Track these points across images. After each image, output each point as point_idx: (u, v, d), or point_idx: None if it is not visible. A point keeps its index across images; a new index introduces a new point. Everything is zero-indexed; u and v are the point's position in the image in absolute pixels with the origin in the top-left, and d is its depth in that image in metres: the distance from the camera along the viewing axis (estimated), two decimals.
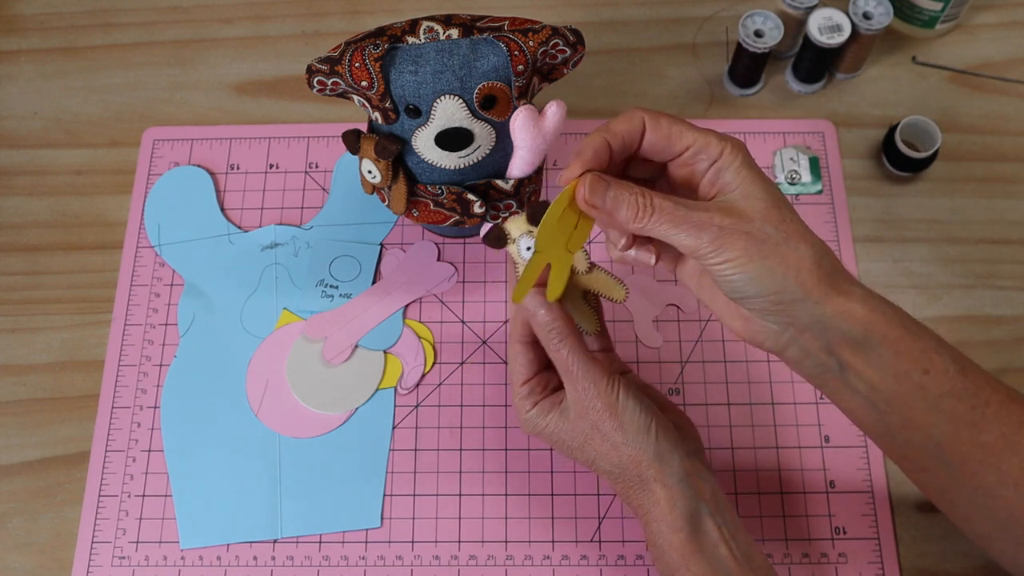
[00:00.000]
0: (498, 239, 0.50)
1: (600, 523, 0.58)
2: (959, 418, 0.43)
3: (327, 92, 0.53)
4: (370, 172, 0.55)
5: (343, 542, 0.58)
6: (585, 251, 0.48)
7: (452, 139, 0.52)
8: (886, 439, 0.46)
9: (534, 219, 0.47)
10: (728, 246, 0.41)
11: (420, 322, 0.63)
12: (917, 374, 0.43)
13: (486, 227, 0.60)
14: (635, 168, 0.48)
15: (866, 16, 0.66)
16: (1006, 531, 0.45)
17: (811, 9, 0.66)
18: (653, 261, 0.48)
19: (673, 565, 0.46)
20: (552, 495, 0.59)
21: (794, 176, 0.66)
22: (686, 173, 0.45)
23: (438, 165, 0.54)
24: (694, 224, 0.42)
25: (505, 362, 0.62)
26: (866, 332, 0.43)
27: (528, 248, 0.48)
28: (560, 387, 0.50)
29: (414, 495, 0.59)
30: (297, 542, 0.58)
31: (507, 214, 0.57)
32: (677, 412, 0.51)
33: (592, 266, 0.49)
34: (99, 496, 0.59)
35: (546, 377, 0.50)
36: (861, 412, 0.46)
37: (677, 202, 0.42)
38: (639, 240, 0.48)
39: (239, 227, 0.66)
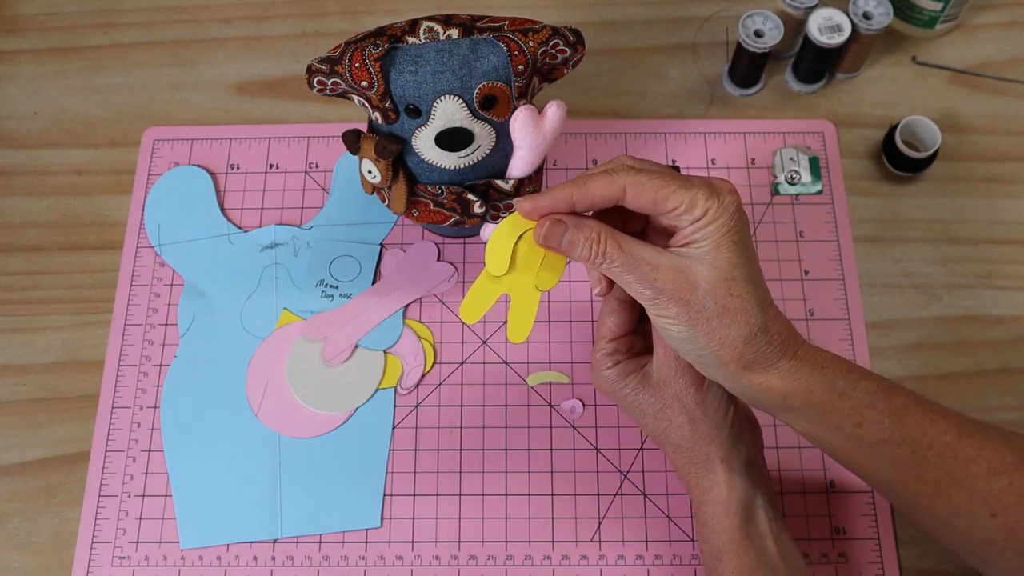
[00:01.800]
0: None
1: (600, 523, 0.58)
2: (901, 462, 0.45)
3: (327, 92, 0.53)
4: (370, 172, 0.55)
5: (343, 542, 0.58)
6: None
7: (452, 139, 0.52)
8: (845, 466, 0.48)
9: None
10: (664, 306, 0.44)
11: (420, 322, 0.63)
12: (849, 427, 0.45)
13: (486, 227, 0.60)
14: (626, 214, 0.48)
15: (866, 16, 0.66)
16: (969, 552, 0.47)
17: (811, 9, 0.66)
18: (599, 292, 0.49)
19: (722, 548, 0.47)
20: (552, 495, 0.59)
21: (794, 176, 0.66)
22: (669, 224, 0.45)
23: (438, 165, 0.54)
24: (640, 277, 0.44)
25: (506, 362, 0.62)
26: (786, 401, 0.45)
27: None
28: (643, 353, 0.50)
29: (414, 495, 0.59)
30: (297, 542, 0.58)
31: (507, 214, 0.57)
32: (746, 407, 0.51)
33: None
34: (99, 496, 0.59)
35: (631, 339, 0.50)
36: (815, 442, 0.48)
37: (630, 251, 0.44)
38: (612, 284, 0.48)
39: (239, 227, 0.66)
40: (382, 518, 0.58)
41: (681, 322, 0.44)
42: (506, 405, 0.61)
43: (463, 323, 0.63)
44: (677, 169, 0.47)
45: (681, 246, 0.44)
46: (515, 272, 0.47)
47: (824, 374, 0.44)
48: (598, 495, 0.59)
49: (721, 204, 0.43)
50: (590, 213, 0.46)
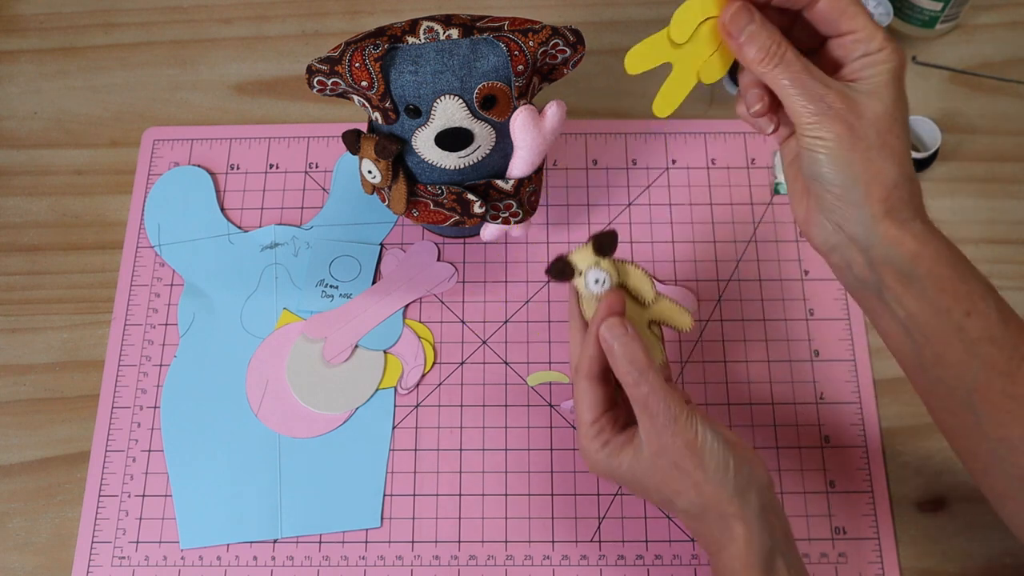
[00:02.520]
0: (562, 272, 0.47)
1: (600, 523, 0.58)
2: (995, 366, 0.43)
3: (327, 92, 0.53)
4: (370, 172, 0.55)
5: (343, 542, 0.58)
6: (651, 279, 0.48)
7: (452, 139, 0.52)
8: (918, 372, 0.47)
9: (601, 249, 0.46)
10: (827, 125, 0.42)
11: (420, 322, 0.63)
12: (959, 314, 0.43)
13: (486, 227, 0.60)
14: (796, 35, 0.46)
15: None
16: (1022, 490, 0.45)
17: None
18: (771, 130, 0.47)
19: None
20: (552, 495, 0.59)
21: None
22: (840, 56, 0.44)
23: (438, 165, 0.54)
24: (809, 92, 0.42)
25: (506, 362, 0.62)
26: (912, 264, 0.44)
27: (596, 281, 0.46)
28: (629, 423, 0.47)
29: (414, 495, 0.59)
30: (297, 542, 0.58)
31: (507, 213, 0.57)
32: (744, 444, 0.48)
33: (658, 295, 0.48)
34: (99, 496, 0.59)
35: (614, 414, 0.48)
36: (897, 338, 0.46)
37: (806, 65, 0.43)
38: (771, 108, 0.46)
39: (239, 227, 0.66)
40: (382, 518, 0.58)
41: (841, 145, 0.42)
42: (506, 405, 0.61)
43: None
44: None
45: (850, 81, 0.43)
46: (690, 46, 0.47)
47: (952, 249, 0.44)
48: (598, 495, 0.59)
49: (894, 50, 0.43)
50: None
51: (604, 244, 0.46)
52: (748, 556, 0.44)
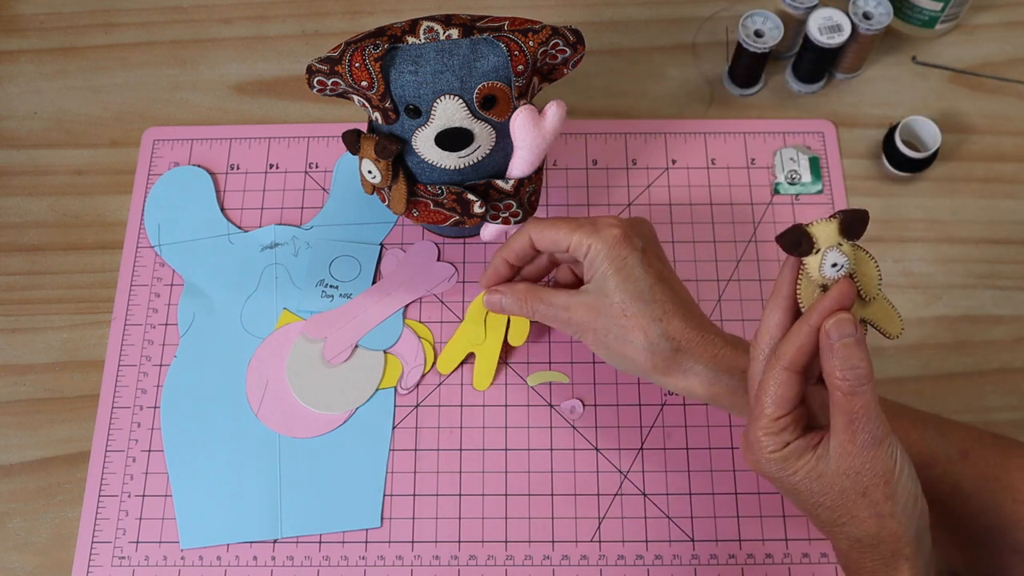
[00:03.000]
0: (797, 244, 0.41)
1: (600, 523, 0.58)
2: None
3: (327, 92, 0.52)
4: (370, 172, 0.55)
5: (343, 542, 0.58)
6: (879, 271, 0.42)
7: (452, 139, 0.52)
8: (730, 407, 0.51)
9: (849, 231, 0.41)
10: (584, 338, 0.53)
11: (420, 322, 0.63)
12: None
13: (486, 227, 0.60)
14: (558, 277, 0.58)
15: (866, 16, 0.66)
16: None
17: (811, 9, 0.66)
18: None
19: None
20: (552, 495, 0.59)
21: (794, 176, 0.66)
22: (573, 258, 0.53)
23: (438, 165, 0.54)
24: (558, 321, 0.54)
25: (506, 362, 0.62)
26: (714, 403, 0.51)
27: (835, 265, 0.40)
28: (810, 427, 0.43)
29: (414, 495, 0.59)
30: (297, 542, 0.58)
31: (507, 213, 0.57)
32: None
33: (879, 293, 0.42)
34: (99, 496, 0.59)
35: (800, 413, 0.43)
36: (696, 387, 0.51)
37: (549, 303, 0.54)
38: None
39: (239, 227, 0.66)
40: (382, 518, 0.58)
41: (599, 348, 0.52)
42: (506, 405, 0.61)
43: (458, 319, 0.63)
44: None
45: (588, 282, 0.52)
46: (488, 335, 0.61)
47: (739, 378, 0.49)
48: (598, 495, 0.59)
49: (601, 239, 0.50)
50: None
51: (854, 225, 0.40)
52: None
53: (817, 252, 0.41)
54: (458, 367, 0.62)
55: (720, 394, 0.50)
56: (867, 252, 0.42)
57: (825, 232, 0.41)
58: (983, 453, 0.50)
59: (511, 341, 0.61)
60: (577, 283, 0.56)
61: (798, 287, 0.42)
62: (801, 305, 0.42)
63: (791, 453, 0.42)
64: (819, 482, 0.42)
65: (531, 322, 0.60)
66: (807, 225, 0.41)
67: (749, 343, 0.46)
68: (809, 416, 0.44)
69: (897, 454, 0.41)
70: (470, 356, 0.62)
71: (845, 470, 0.41)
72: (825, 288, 0.41)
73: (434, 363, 0.62)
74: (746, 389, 0.47)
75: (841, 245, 0.41)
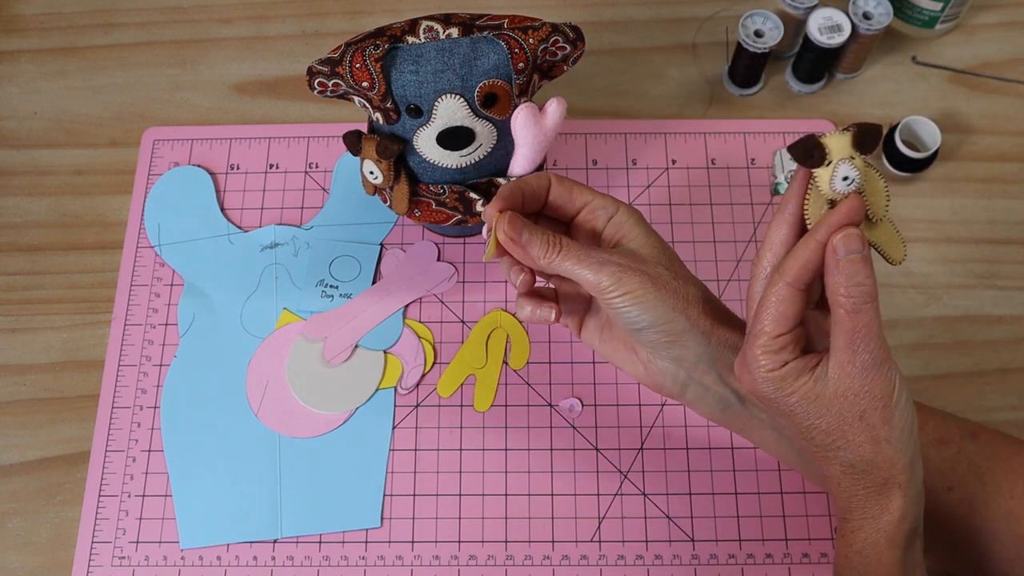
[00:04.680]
0: (809, 155, 0.39)
1: (600, 523, 0.58)
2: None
3: (328, 93, 0.53)
4: (372, 173, 0.55)
5: (343, 542, 0.58)
6: (887, 192, 0.41)
7: (454, 138, 0.52)
8: (801, 466, 0.49)
9: (863, 144, 0.39)
10: (626, 280, 0.44)
11: (420, 322, 0.63)
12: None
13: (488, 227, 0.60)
14: (542, 223, 0.49)
15: (866, 16, 0.66)
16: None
17: (811, 9, 0.66)
18: (553, 317, 0.48)
19: None
20: (552, 495, 0.59)
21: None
22: (588, 227, 0.48)
23: (440, 164, 0.54)
24: (597, 261, 0.44)
25: (505, 362, 0.62)
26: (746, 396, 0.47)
27: (845, 179, 0.39)
28: (809, 349, 0.42)
29: (414, 495, 0.59)
30: (297, 542, 0.58)
31: (823, 133, 0.46)
32: None
33: (886, 214, 0.41)
34: (99, 496, 0.59)
35: (800, 333, 0.42)
36: (772, 442, 0.48)
37: (582, 245, 0.45)
38: (542, 299, 0.49)
39: (239, 227, 0.66)
40: (382, 518, 0.58)
41: (646, 290, 0.44)
42: (506, 405, 0.61)
43: (461, 321, 0.63)
44: None
45: (614, 245, 0.47)
46: (488, 358, 0.61)
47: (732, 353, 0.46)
48: (598, 495, 0.59)
49: (627, 206, 0.48)
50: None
51: (868, 137, 0.39)
52: (897, 533, 0.41)
53: (828, 164, 0.39)
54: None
55: (765, 404, 0.45)
56: (877, 171, 0.41)
57: (838, 144, 0.39)
58: (991, 435, 0.50)
59: (511, 364, 0.62)
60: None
61: (806, 202, 0.41)
62: (808, 221, 0.41)
63: (789, 373, 0.41)
64: (816, 404, 0.41)
65: (531, 344, 0.62)
66: (820, 136, 0.40)
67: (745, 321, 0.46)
68: (807, 340, 0.43)
69: (896, 378, 0.41)
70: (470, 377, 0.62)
71: (843, 391, 0.40)
72: (833, 205, 0.40)
73: (434, 363, 0.62)
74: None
75: (854, 159, 0.39)
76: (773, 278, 0.41)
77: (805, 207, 0.41)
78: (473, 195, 0.55)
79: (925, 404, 0.52)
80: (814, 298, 0.43)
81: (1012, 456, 0.49)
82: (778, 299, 0.41)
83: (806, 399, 0.41)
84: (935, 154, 0.65)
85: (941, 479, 0.49)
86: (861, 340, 0.39)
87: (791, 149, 0.40)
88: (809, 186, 0.41)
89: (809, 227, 0.41)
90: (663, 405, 0.61)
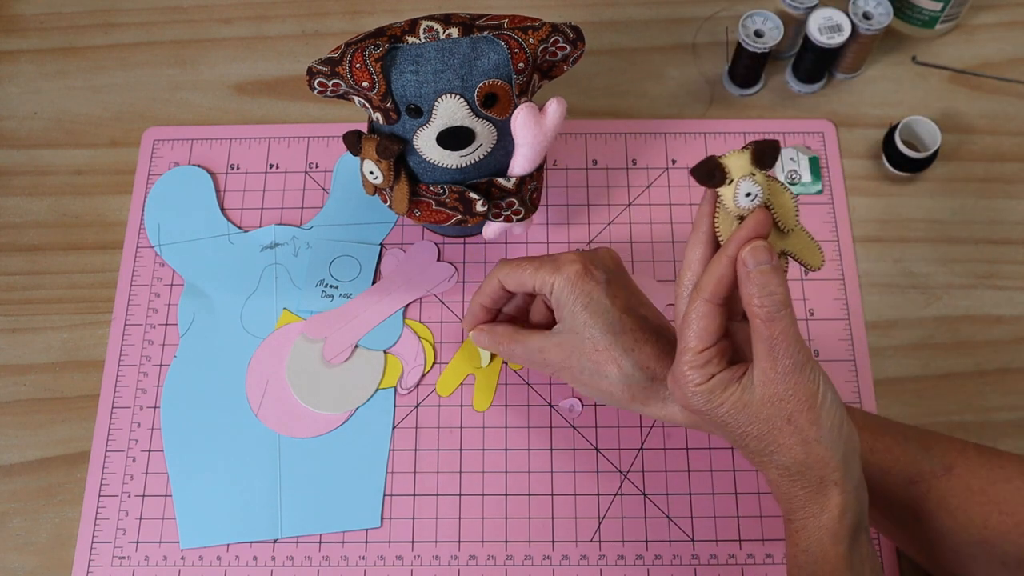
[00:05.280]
0: (711, 176, 0.41)
1: (600, 523, 0.58)
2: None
3: (328, 94, 0.52)
4: (372, 173, 0.55)
5: (343, 542, 0.58)
6: (795, 202, 0.42)
7: (454, 138, 0.52)
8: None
9: (761, 159, 0.41)
10: (562, 377, 0.53)
11: (420, 322, 0.63)
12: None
13: (489, 225, 0.60)
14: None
15: (866, 16, 0.66)
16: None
17: (811, 9, 0.66)
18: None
19: None
20: (552, 495, 0.59)
21: (794, 176, 0.66)
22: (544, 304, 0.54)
23: (440, 164, 0.54)
24: (537, 363, 0.53)
25: (505, 362, 0.62)
26: (696, 426, 0.50)
27: (748, 195, 0.41)
28: (735, 360, 0.44)
29: (414, 495, 0.59)
30: (297, 542, 0.58)
31: (508, 211, 0.57)
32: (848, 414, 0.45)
33: (798, 224, 0.43)
34: (99, 496, 0.59)
35: (724, 346, 0.43)
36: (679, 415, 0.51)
37: (524, 344, 0.53)
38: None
39: (239, 227, 0.66)
40: (382, 518, 0.58)
41: (579, 386, 0.52)
42: (506, 405, 0.61)
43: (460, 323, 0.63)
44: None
45: (559, 321, 0.52)
46: (490, 364, 0.62)
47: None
48: (598, 495, 0.59)
49: (562, 276, 0.50)
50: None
51: (766, 154, 0.41)
52: (839, 529, 0.42)
53: (731, 183, 0.41)
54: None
55: (700, 423, 0.49)
56: (782, 184, 0.42)
57: (738, 163, 0.41)
58: (967, 466, 0.49)
59: (511, 364, 0.62)
60: (551, 317, 0.55)
61: (716, 221, 0.43)
62: (720, 238, 0.43)
63: (716, 385, 0.42)
64: (745, 412, 0.42)
65: None
66: (720, 157, 0.41)
67: None
68: (734, 351, 0.44)
69: (820, 379, 0.41)
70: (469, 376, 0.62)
71: (769, 397, 0.41)
72: (743, 220, 0.42)
73: (434, 363, 0.62)
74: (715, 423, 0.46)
75: (754, 175, 0.41)
76: (692, 296, 0.43)
77: (716, 225, 0.43)
78: (473, 195, 0.55)
79: (902, 425, 0.51)
80: (739, 311, 0.44)
81: (988, 487, 0.48)
82: (698, 315, 0.42)
83: (735, 408, 0.42)
84: (935, 154, 0.65)
85: (910, 512, 0.49)
86: (780, 346, 0.41)
87: (693, 172, 0.42)
88: (717, 205, 0.43)
89: (722, 244, 0.43)
90: None
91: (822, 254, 0.44)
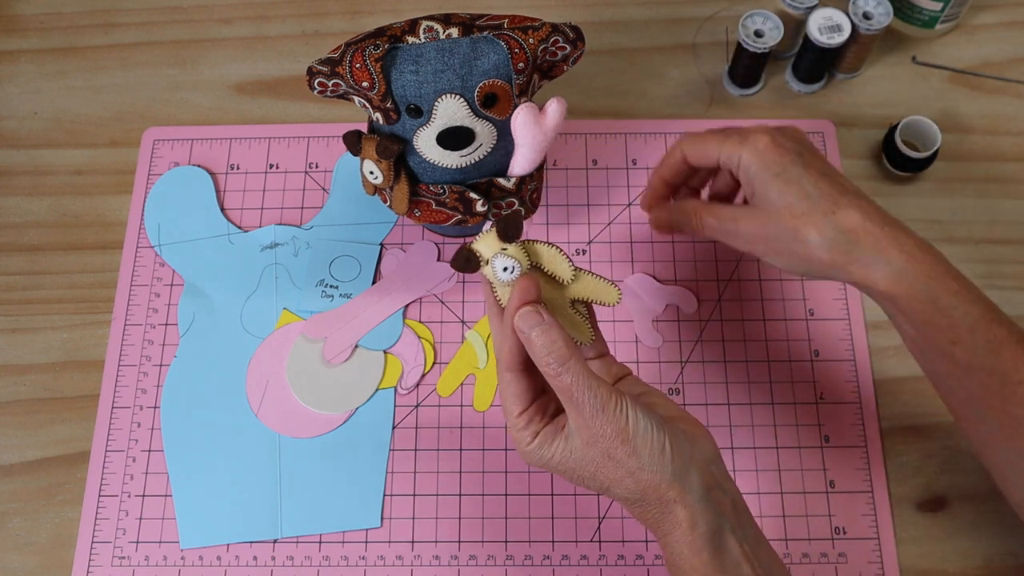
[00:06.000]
0: (468, 263, 0.44)
1: (600, 523, 0.58)
2: (989, 388, 0.46)
3: (328, 94, 0.52)
4: (372, 173, 0.55)
5: (343, 542, 0.58)
6: (567, 258, 0.46)
7: (454, 138, 0.52)
8: (933, 381, 0.50)
9: (506, 235, 0.44)
10: (756, 249, 0.51)
11: (420, 322, 0.63)
12: (945, 343, 0.46)
13: (488, 226, 0.60)
14: (716, 181, 0.57)
15: (866, 16, 0.66)
16: None
17: (811, 9, 0.66)
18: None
19: None
20: (552, 495, 0.59)
21: None
22: (735, 183, 0.54)
23: (440, 164, 0.54)
24: (730, 235, 0.52)
25: None
26: (890, 300, 0.48)
27: (505, 269, 0.44)
28: (559, 411, 0.46)
29: (414, 495, 0.59)
30: (297, 542, 0.58)
31: (508, 211, 0.57)
32: (686, 418, 0.47)
33: (577, 272, 0.46)
34: (99, 496, 0.59)
35: (543, 402, 0.46)
36: (912, 348, 0.50)
37: (719, 216, 0.52)
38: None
39: (239, 227, 0.66)
40: (382, 518, 0.58)
41: (773, 255, 0.50)
42: None
43: (461, 321, 0.63)
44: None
45: (751, 197, 0.51)
46: (489, 358, 0.61)
47: (928, 287, 0.47)
48: (598, 495, 0.59)
49: (749, 149, 0.50)
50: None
51: (509, 229, 0.44)
52: (694, 540, 0.43)
53: (487, 264, 0.44)
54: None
55: (901, 295, 0.47)
56: (544, 242, 0.45)
57: (486, 244, 0.44)
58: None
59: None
60: (735, 187, 0.55)
61: (497, 296, 0.45)
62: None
63: (543, 440, 0.45)
64: (573, 458, 0.44)
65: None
66: (469, 244, 0.44)
67: (938, 254, 0.48)
68: (558, 404, 0.46)
69: (627, 413, 0.43)
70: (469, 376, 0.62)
71: (586, 440, 0.44)
72: None
73: (434, 363, 0.62)
74: (924, 299, 0.46)
75: (505, 249, 0.44)
76: (498, 368, 0.46)
77: (499, 299, 0.45)
78: (473, 195, 0.55)
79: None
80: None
81: None
82: (505, 384, 0.45)
83: (564, 457, 0.45)
84: (935, 154, 0.65)
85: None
86: (577, 395, 0.43)
87: (452, 264, 0.45)
88: (492, 285, 0.45)
89: None
90: None
91: (617, 291, 0.46)
